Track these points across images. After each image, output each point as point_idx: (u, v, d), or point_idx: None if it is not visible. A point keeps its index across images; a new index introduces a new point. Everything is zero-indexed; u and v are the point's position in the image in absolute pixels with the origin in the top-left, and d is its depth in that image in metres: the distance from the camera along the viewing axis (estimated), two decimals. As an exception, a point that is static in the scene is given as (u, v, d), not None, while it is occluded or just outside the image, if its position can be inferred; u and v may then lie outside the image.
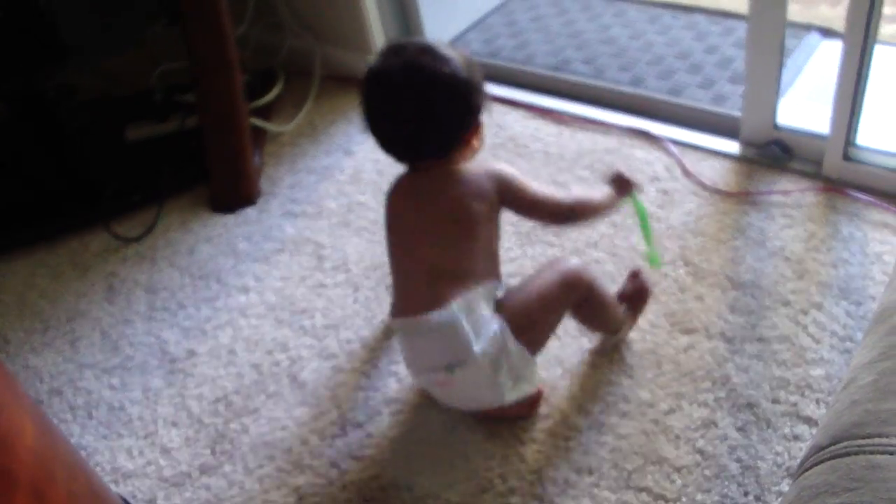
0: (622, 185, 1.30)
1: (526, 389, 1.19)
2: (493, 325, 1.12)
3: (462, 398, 1.21)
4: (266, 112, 2.00)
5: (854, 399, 0.59)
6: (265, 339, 1.48)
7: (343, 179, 1.82)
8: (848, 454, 0.55)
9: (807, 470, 0.58)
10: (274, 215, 1.76)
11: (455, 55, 1.14)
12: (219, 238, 1.72)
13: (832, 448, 0.57)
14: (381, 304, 1.50)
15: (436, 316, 1.11)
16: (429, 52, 1.12)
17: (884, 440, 0.53)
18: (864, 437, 0.55)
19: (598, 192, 1.30)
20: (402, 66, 1.11)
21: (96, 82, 2.11)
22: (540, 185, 1.23)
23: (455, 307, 1.10)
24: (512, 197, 1.20)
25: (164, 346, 1.51)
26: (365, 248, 1.63)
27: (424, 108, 1.12)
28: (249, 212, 1.78)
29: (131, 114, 2.01)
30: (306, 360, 1.43)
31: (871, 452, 0.53)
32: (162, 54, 2.09)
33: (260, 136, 1.93)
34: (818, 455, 0.58)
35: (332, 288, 1.56)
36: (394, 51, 1.14)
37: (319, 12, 2.08)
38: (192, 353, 1.48)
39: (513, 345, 1.14)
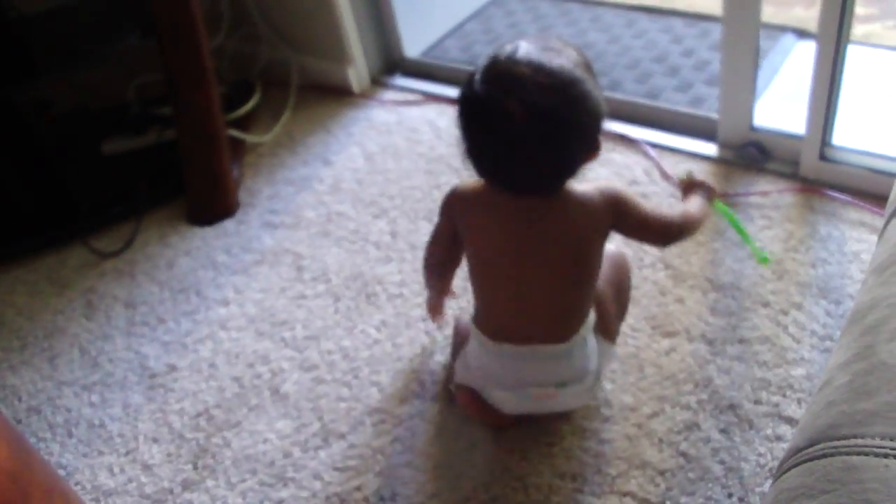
0: (707, 192, 1.26)
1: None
2: (593, 339, 1.17)
3: (551, 406, 1.21)
4: (244, 123, 1.99)
5: (830, 400, 0.59)
6: (246, 351, 1.47)
7: (322, 189, 1.81)
8: (825, 456, 0.54)
9: (785, 472, 0.58)
10: (253, 227, 1.75)
11: (577, 73, 0.99)
12: (198, 251, 1.71)
13: (809, 450, 0.56)
14: (361, 315, 1.49)
15: (559, 348, 1.13)
16: (551, 87, 0.97)
17: (859, 441, 0.53)
18: (839, 439, 0.55)
19: (693, 204, 1.23)
20: (523, 110, 0.97)
21: (72, 96, 2.09)
22: (646, 201, 1.15)
23: (576, 339, 1.14)
24: (626, 219, 1.11)
25: (144, 361, 1.49)
26: (345, 258, 1.62)
27: (549, 155, 1.01)
28: (228, 224, 1.77)
29: (107, 127, 1.99)
30: (287, 372, 1.42)
31: (847, 454, 0.53)
32: (138, 67, 2.07)
33: (238, 147, 1.92)
34: (795, 457, 0.57)
35: (312, 299, 1.55)
36: (506, 81, 0.98)
37: (296, 23, 2.07)
38: (172, 368, 1.47)
39: (603, 347, 1.19)
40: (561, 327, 1.13)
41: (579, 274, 1.12)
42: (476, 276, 1.17)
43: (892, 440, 0.52)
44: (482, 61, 1.02)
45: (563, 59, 1.00)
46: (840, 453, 0.53)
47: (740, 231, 1.37)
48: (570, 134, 1.00)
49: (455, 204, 1.16)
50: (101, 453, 1.35)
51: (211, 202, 1.79)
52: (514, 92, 0.97)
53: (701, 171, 1.65)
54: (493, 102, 0.99)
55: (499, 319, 1.15)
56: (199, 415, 1.38)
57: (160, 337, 1.53)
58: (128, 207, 1.80)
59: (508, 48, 1.01)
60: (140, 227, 1.78)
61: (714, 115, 1.72)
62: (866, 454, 0.52)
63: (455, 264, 1.29)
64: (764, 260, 1.40)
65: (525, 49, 1.00)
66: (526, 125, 0.97)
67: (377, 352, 1.42)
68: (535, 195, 1.07)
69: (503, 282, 1.12)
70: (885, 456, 0.51)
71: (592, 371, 1.17)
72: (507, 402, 1.20)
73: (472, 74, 1.03)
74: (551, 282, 1.10)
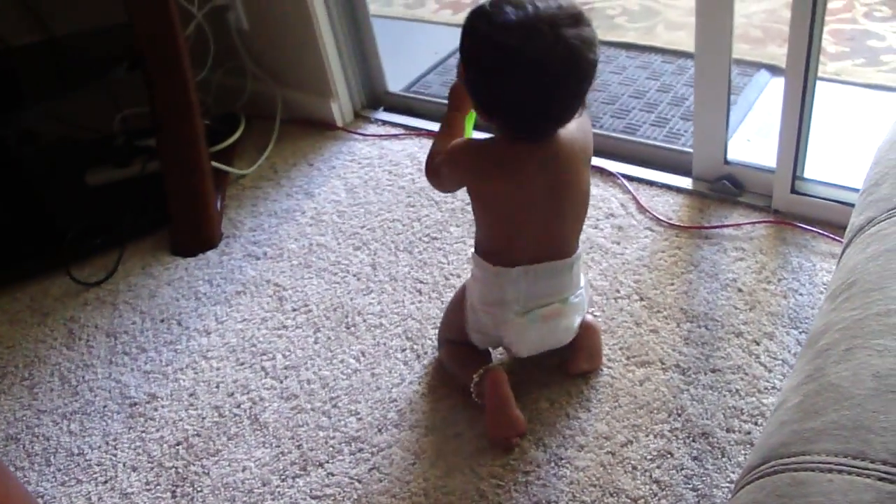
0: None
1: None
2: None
3: (552, 333, 1.30)
4: (227, 156, 2.02)
5: (782, 420, 0.61)
6: (226, 380, 1.48)
7: (304, 221, 1.84)
8: (775, 472, 0.56)
9: (740, 489, 0.60)
10: (235, 258, 1.77)
11: (593, 28, 1.10)
12: (180, 281, 1.73)
13: (762, 468, 0.58)
14: (341, 345, 1.51)
15: (566, 262, 1.26)
16: (584, 37, 1.07)
17: (807, 458, 0.55)
18: (789, 456, 0.57)
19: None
20: (565, 54, 1.06)
21: (56, 127, 2.11)
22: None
23: (575, 255, 1.27)
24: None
25: (125, 390, 1.50)
26: (325, 288, 1.64)
27: (576, 92, 1.11)
28: (211, 255, 1.79)
29: (92, 158, 2.01)
30: (267, 401, 1.43)
31: (795, 470, 0.55)
32: (123, 99, 2.10)
33: (221, 179, 1.95)
34: (749, 475, 0.59)
35: (292, 329, 1.56)
36: (544, 23, 1.05)
37: (281, 57, 2.11)
38: (152, 397, 1.47)
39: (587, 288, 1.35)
40: (568, 246, 1.26)
41: (580, 198, 1.25)
42: (495, 221, 1.25)
43: (836, 456, 0.54)
44: (504, 15, 1.06)
45: (588, 21, 1.09)
46: (789, 470, 0.55)
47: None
48: (591, 77, 1.10)
49: (463, 165, 1.23)
50: (79, 482, 1.35)
51: (194, 233, 1.80)
52: (557, 37, 1.05)
53: (676, 204, 1.69)
54: (538, 51, 1.05)
55: (518, 252, 1.24)
56: (178, 443, 1.38)
57: (141, 366, 1.54)
58: (111, 238, 1.82)
59: (534, 3, 1.06)
60: (123, 258, 1.79)
61: (690, 150, 1.76)
62: (812, 470, 0.54)
63: None
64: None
65: (547, 2, 1.07)
66: (567, 69, 1.07)
67: (356, 381, 1.43)
68: (546, 138, 1.16)
69: (525, 222, 1.22)
70: (829, 471, 0.53)
71: (583, 285, 1.32)
72: (521, 331, 1.27)
73: (497, 27, 1.06)
74: (563, 212, 1.23)
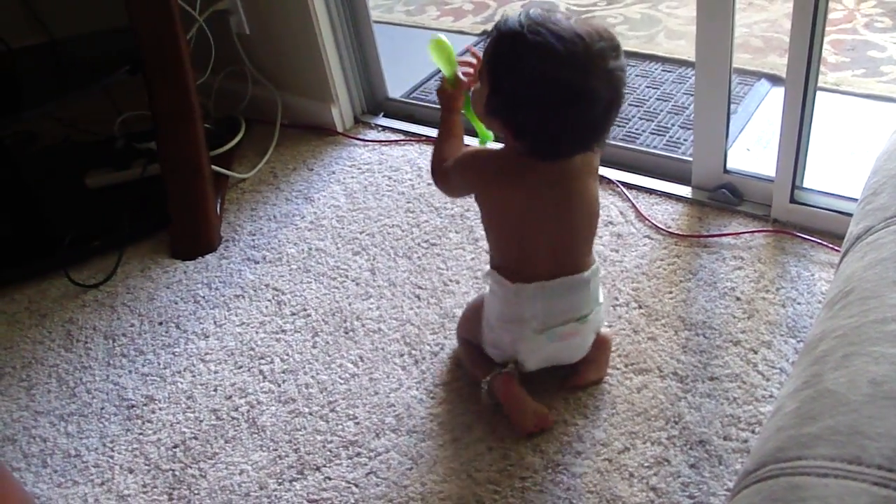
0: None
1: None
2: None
3: (566, 350, 1.32)
4: (227, 159, 2.02)
5: (779, 426, 0.61)
6: (224, 384, 1.48)
7: (303, 226, 1.84)
8: (771, 477, 0.56)
9: (737, 494, 0.60)
10: (234, 261, 1.77)
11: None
12: (179, 284, 1.73)
13: (758, 472, 0.59)
14: (339, 349, 1.51)
15: (583, 276, 1.25)
16: (623, 68, 1.09)
17: (803, 462, 0.55)
18: (785, 461, 0.57)
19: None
20: (613, 88, 1.08)
21: (57, 129, 2.12)
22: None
23: (593, 268, 1.27)
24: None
25: (123, 392, 1.50)
26: (324, 293, 1.64)
27: (613, 120, 1.13)
28: (210, 258, 1.79)
29: (92, 161, 2.02)
30: (265, 404, 1.43)
31: (792, 474, 0.55)
32: (124, 102, 2.11)
33: (221, 183, 1.95)
34: (746, 479, 0.59)
35: (291, 333, 1.56)
36: (594, 58, 1.06)
37: (282, 62, 2.12)
38: (150, 399, 1.47)
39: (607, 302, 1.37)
40: (582, 259, 1.26)
41: (590, 210, 1.25)
42: (505, 233, 1.26)
43: (832, 461, 0.54)
44: (551, 47, 1.05)
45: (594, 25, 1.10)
46: (785, 474, 0.56)
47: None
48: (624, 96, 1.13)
49: (473, 174, 1.24)
50: (75, 483, 1.35)
51: (194, 237, 1.81)
52: (603, 67, 1.06)
53: (676, 213, 1.69)
54: (589, 83, 1.06)
55: (533, 267, 1.23)
56: (175, 446, 1.38)
57: (139, 368, 1.54)
58: (110, 240, 1.82)
59: (562, 24, 1.06)
60: (122, 260, 1.80)
61: (689, 158, 1.76)
62: (808, 474, 0.54)
63: None
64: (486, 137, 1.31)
65: (581, 24, 1.08)
66: (611, 94, 1.08)
67: (354, 386, 1.43)
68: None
69: (536, 235, 1.22)
70: (826, 476, 0.53)
71: (601, 302, 1.31)
72: (537, 348, 1.28)
73: (548, 60, 1.05)
74: (573, 224, 1.23)
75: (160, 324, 1.63)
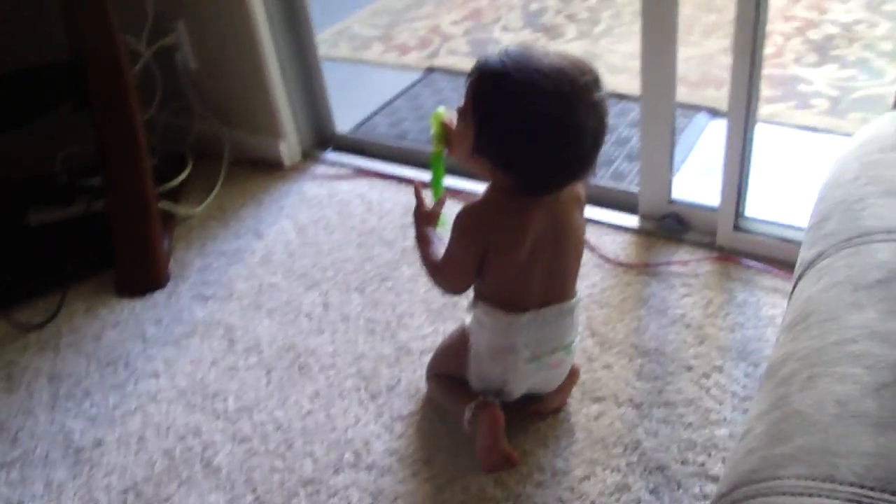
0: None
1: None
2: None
3: (551, 379, 1.33)
4: (175, 195, 2.00)
5: (750, 448, 0.63)
6: (177, 424, 1.45)
7: (254, 262, 1.82)
8: (746, 498, 0.58)
9: (711, 518, 0.61)
10: (184, 299, 1.74)
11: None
12: (126, 323, 1.69)
13: (732, 494, 0.60)
14: (294, 386, 1.49)
15: (570, 303, 1.27)
16: (605, 98, 1.10)
17: (777, 482, 0.57)
18: (759, 482, 0.58)
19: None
20: (598, 118, 1.09)
21: (-2, 166, 2.06)
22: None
23: (577, 298, 1.29)
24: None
25: (69, 435, 1.45)
26: (277, 329, 1.62)
27: (599, 150, 1.13)
28: (158, 296, 1.75)
29: (34, 197, 1.97)
30: (220, 444, 1.40)
31: (767, 495, 0.56)
32: (65, 137, 2.06)
33: (169, 219, 1.92)
34: (720, 502, 0.61)
35: (244, 370, 1.54)
36: (579, 92, 1.07)
37: (229, 97, 2.11)
38: (99, 442, 1.43)
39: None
40: (570, 288, 1.28)
41: (578, 240, 1.28)
42: (504, 270, 1.23)
43: (805, 480, 0.56)
44: (536, 83, 1.07)
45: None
46: (760, 495, 0.57)
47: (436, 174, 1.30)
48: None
49: (481, 227, 1.21)
50: (21, 533, 1.30)
51: (141, 274, 1.77)
52: (588, 101, 1.08)
53: (624, 242, 1.72)
54: (575, 117, 1.08)
55: (527, 297, 1.24)
56: (126, 490, 1.34)
57: (86, 411, 1.50)
58: (53, 279, 1.77)
59: (544, 60, 1.08)
60: (66, 299, 1.75)
61: (635, 189, 1.80)
62: (783, 493, 0.55)
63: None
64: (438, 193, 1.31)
65: (562, 58, 1.10)
66: (596, 124, 1.09)
67: (310, 423, 1.42)
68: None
69: (533, 268, 1.21)
70: (800, 494, 0.54)
71: (579, 332, 1.34)
72: (526, 378, 1.29)
73: (534, 95, 1.07)
74: (565, 254, 1.24)
75: (108, 364, 1.59)
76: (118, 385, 1.54)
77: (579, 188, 1.25)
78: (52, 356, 1.63)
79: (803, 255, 0.88)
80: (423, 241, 1.30)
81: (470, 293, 1.30)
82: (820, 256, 0.82)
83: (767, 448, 0.61)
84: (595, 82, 1.09)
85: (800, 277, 0.85)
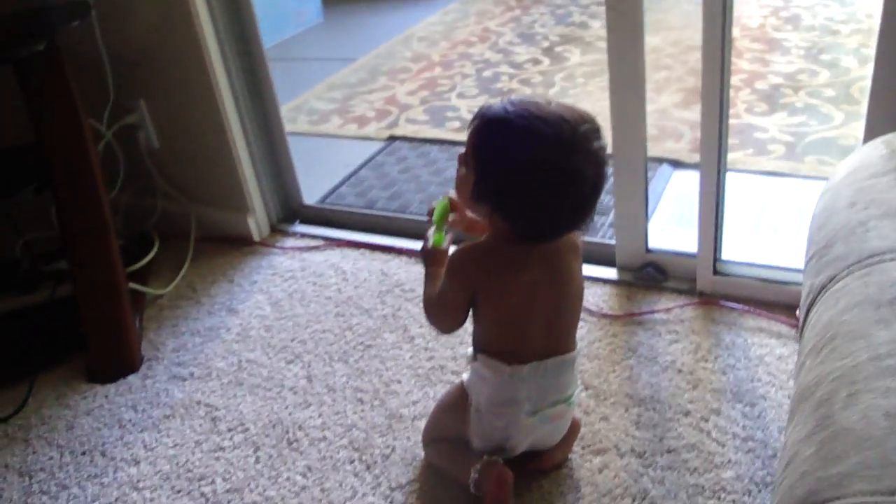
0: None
1: None
2: None
3: (551, 433, 1.29)
4: (143, 276, 1.95)
5: (803, 471, 0.61)
6: (161, 511, 1.38)
7: (230, 338, 1.77)
8: (811, 522, 0.56)
9: (771, 548, 0.59)
10: (160, 380, 1.68)
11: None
12: (100, 409, 1.62)
13: (793, 520, 0.58)
14: (284, 462, 1.43)
15: (571, 355, 1.25)
16: (604, 147, 1.11)
17: (842, 501, 0.55)
18: (822, 503, 0.56)
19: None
20: (598, 167, 1.10)
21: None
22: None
23: (577, 350, 1.27)
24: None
25: (46, 533, 1.37)
26: (261, 405, 1.57)
27: (598, 198, 1.13)
28: (132, 379, 1.69)
29: (-5, 287, 1.91)
30: (209, 528, 1.33)
31: (834, 515, 0.55)
32: (24, 223, 2.01)
33: (138, 300, 1.87)
34: (780, 530, 0.59)
35: (230, 450, 1.48)
36: (580, 140, 1.08)
37: (193, 175, 2.08)
38: (78, 538, 1.35)
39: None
40: (570, 339, 1.26)
41: (577, 290, 1.26)
42: (502, 319, 1.22)
43: (871, 495, 0.54)
44: (537, 132, 1.07)
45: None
46: (826, 516, 0.55)
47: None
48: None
49: (472, 269, 1.20)
50: None
51: (114, 358, 1.71)
52: (588, 150, 1.09)
53: (605, 294, 1.72)
54: (575, 164, 1.08)
55: (527, 348, 1.21)
56: (112, 585, 1.26)
57: (63, 505, 1.42)
58: (19, 369, 1.70)
59: (546, 108, 1.09)
60: (34, 389, 1.67)
61: (611, 241, 1.81)
62: (852, 512, 0.54)
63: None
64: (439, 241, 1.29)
65: (563, 107, 1.11)
66: (595, 176, 1.10)
67: (305, 498, 1.36)
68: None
69: (531, 317, 1.20)
70: (873, 510, 0.53)
71: (578, 384, 1.35)
72: (529, 432, 1.25)
73: (536, 145, 1.08)
74: (563, 304, 1.23)
75: (83, 453, 1.52)
76: (96, 475, 1.47)
77: (577, 237, 1.24)
78: (22, 450, 1.55)
79: (811, 282, 0.88)
80: (428, 280, 1.29)
81: (469, 348, 1.28)
82: (832, 280, 0.82)
83: (822, 469, 0.59)
84: (595, 131, 1.10)
85: (812, 303, 0.85)
